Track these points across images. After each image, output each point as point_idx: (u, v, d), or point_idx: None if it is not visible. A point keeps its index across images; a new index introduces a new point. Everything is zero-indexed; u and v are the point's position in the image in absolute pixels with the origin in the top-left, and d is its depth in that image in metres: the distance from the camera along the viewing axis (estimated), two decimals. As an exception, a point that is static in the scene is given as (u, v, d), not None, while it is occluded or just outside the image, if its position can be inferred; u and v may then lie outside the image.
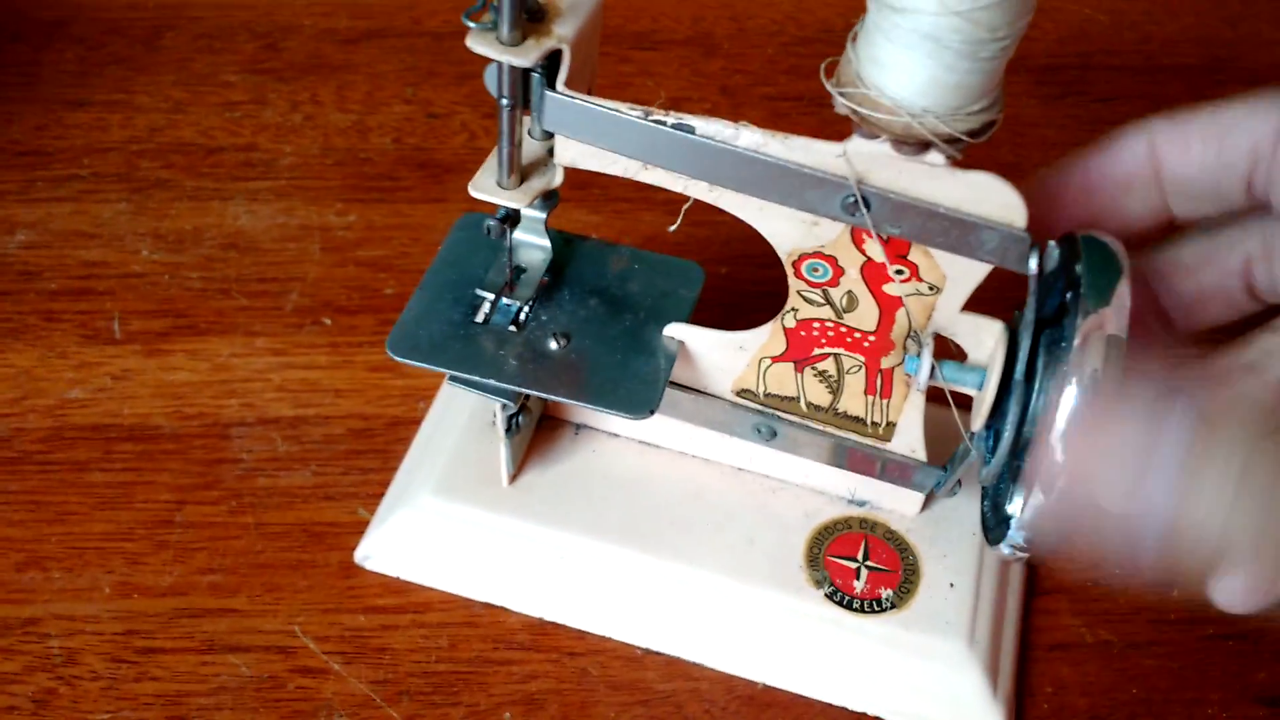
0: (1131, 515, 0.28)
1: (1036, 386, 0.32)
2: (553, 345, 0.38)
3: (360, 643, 0.40)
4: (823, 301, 0.36)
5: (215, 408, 0.46)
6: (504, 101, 0.34)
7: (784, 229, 0.35)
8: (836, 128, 0.33)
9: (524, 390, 0.37)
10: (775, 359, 0.38)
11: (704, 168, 0.33)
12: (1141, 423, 0.27)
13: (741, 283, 0.51)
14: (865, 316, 0.36)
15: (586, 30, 0.34)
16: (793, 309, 0.37)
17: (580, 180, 0.54)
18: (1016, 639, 0.40)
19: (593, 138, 0.34)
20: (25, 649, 0.39)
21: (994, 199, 0.32)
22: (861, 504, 0.42)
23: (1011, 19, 0.29)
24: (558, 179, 0.36)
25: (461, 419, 0.43)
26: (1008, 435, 0.33)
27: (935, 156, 0.32)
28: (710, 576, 0.40)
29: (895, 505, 0.41)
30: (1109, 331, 0.30)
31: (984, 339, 0.35)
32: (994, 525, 0.34)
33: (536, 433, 0.43)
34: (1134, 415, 0.27)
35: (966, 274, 0.34)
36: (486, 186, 0.36)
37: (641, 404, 0.37)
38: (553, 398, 0.37)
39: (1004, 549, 0.33)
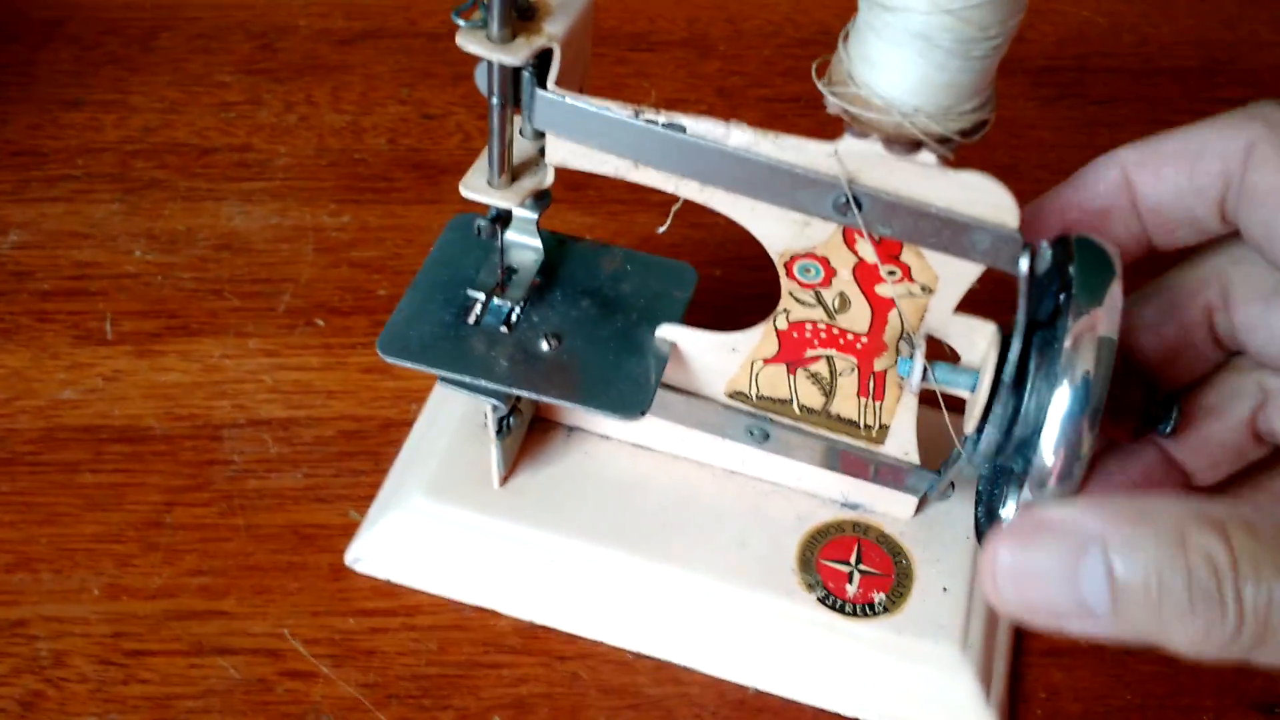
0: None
1: (1028, 388, 0.32)
2: (544, 346, 0.38)
3: (349, 646, 0.40)
4: (815, 303, 0.36)
5: (206, 409, 0.46)
6: (494, 100, 0.33)
7: (775, 229, 0.34)
8: (833, 130, 0.33)
9: (515, 391, 0.37)
10: (768, 361, 0.38)
11: (695, 167, 0.33)
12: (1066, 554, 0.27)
13: (735, 285, 0.51)
14: (857, 318, 0.36)
15: (577, 29, 0.34)
16: (785, 310, 0.37)
17: (574, 182, 0.55)
18: (1010, 644, 0.40)
19: (583, 137, 0.34)
20: (13, 651, 0.39)
21: (986, 199, 0.32)
22: (854, 507, 0.41)
23: (1003, 17, 0.29)
24: (549, 179, 0.36)
25: (453, 421, 0.43)
26: (989, 435, 0.33)
27: (927, 156, 0.31)
28: (702, 580, 0.39)
29: (888, 509, 0.41)
30: (1100, 333, 0.30)
31: (977, 341, 0.35)
32: (987, 528, 0.34)
33: (528, 435, 0.43)
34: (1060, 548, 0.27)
35: (959, 275, 0.34)
36: (477, 186, 0.36)
37: (633, 405, 0.37)
38: (544, 399, 0.37)
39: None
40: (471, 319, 0.38)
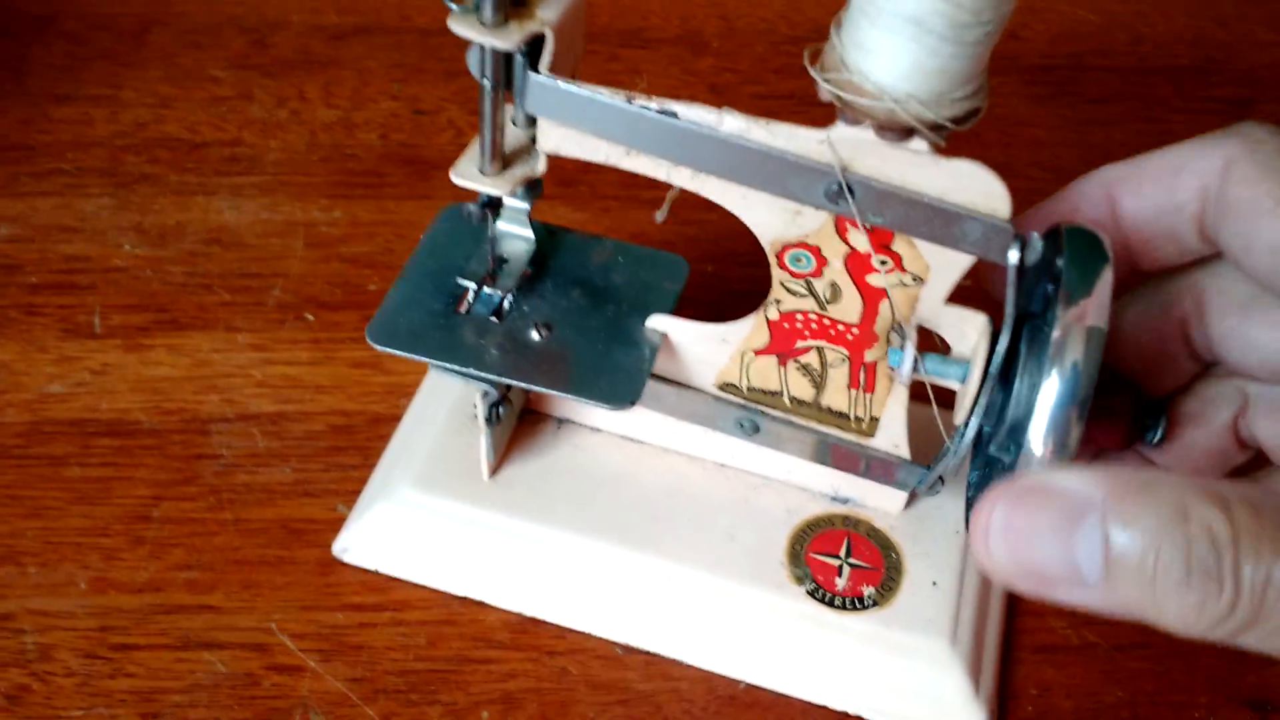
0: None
1: (1018, 378, 0.32)
2: (534, 336, 0.38)
3: (338, 640, 0.39)
4: (806, 293, 0.36)
5: (195, 403, 0.46)
6: (485, 82, 0.33)
7: (767, 218, 0.34)
8: (827, 126, 0.32)
9: (505, 381, 0.37)
10: (759, 352, 0.38)
11: (687, 153, 0.33)
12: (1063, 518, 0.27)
13: (728, 281, 0.51)
14: (849, 308, 0.36)
15: (570, 15, 0.34)
16: (776, 300, 0.36)
17: (567, 178, 0.55)
18: (1000, 640, 0.40)
19: (575, 121, 0.33)
20: (-2, 644, 0.39)
21: (978, 187, 0.31)
22: (844, 501, 0.41)
23: (996, 2, 0.29)
24: (540, 167, 0.36)
25: (442, 413, 0.43)
26: (978, 426, 0.32)
27: (919, 144, 0.31)
28: (691, 572, 0.39)
29: (878, 503, 0.41)
30: (1090, 322, 0.30)
31: (967, 332, 0.35)
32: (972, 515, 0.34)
33: (518, 427, 0.42)
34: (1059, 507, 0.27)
35: (950, 265, 0.33)
36: (468, 173, 0.36)
37: (623, 395, 0.37)
38: (534, 388, 0.37)
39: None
40: (462, 308, 0.38)
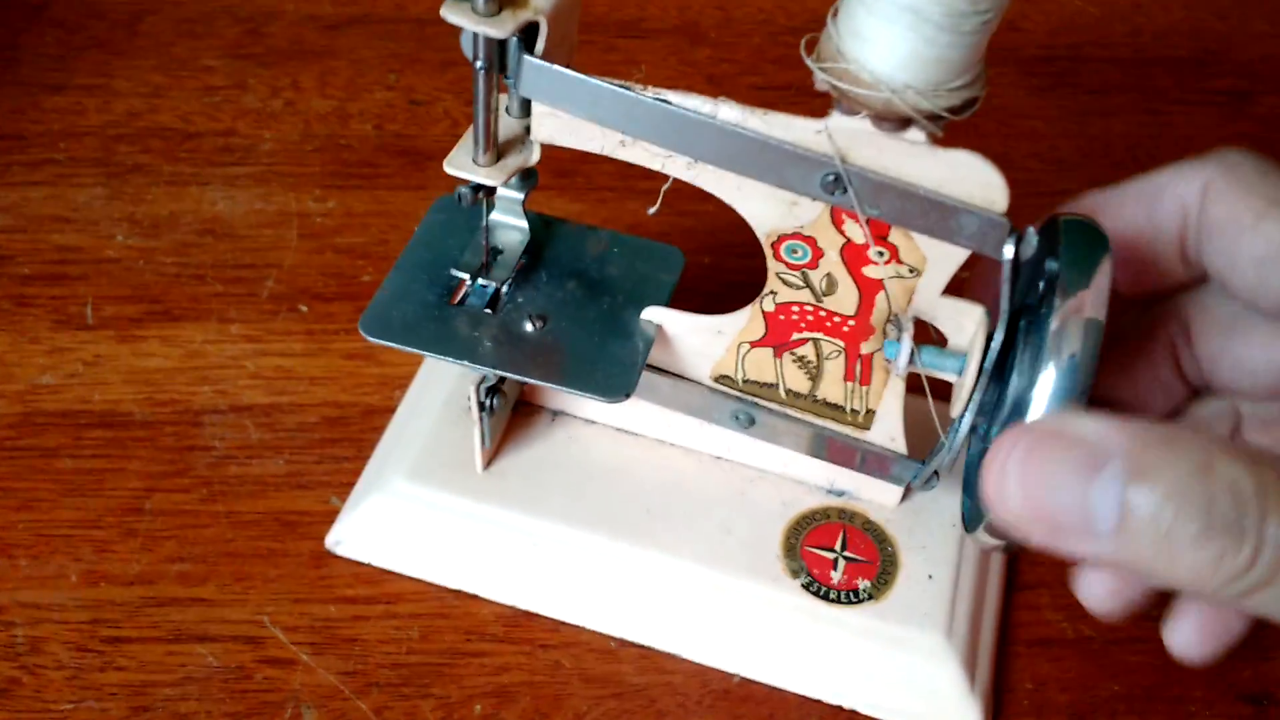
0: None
1: (1015, 371, 0.32)
2: (528, 327, 0.37)
3: (330, 633, 0.39)
4: (802, 284, 0.36)
5: (188, 394, 0.45)
6: (479, 64, 0.33)
7: (763, 209, 0.34)
8: (824, 116, 0.32)
9: (499, 372, 0.36)
10: (754, 344, 0.38)
11: (683, 141, 0.33)
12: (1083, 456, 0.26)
13: (725, 272, 0.51)
14: (845, 300, 0.36)
15: (564, 4, 0.33)
16: (772, 292, 0.36)
17: (563, 169, 0.54)
18: (996, 633, 0.40)
19: (570, 106, 0.33)
20: (-12, 637, 0.39)
21: (975, 178, 0.31)
22: (840, 494, 0.41)
23: (993, -8, 0.28)
24: (534, 157, 0.36)
25: (436, 406, 0.43)
26: (973, 419, 0.32)
27: (916, 134, 0.31)
28: (686, 565, 0.39)
29: (874, 496, 0.41)
30: (1088, 315, 0.30)
31: (964, 324, 0.35)
32: (969, 510, 0.34)
33: (511, 419, 0.42)
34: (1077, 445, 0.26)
35: (947, 257, 0.33)
36: (462, 163, 0.35)
37: (618, 387, 0.36)
38: (528, 380, 0.36)
39: (979, 536, 0.32)
40: (456, 299, 0.38)
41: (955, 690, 0.37)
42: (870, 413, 0.38)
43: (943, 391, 0.36)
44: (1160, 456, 0.25)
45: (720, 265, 0.51)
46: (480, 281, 0.38)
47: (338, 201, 0.53)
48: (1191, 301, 0.35)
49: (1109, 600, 0.32)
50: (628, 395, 0.36)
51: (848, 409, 0.38)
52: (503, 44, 0.33)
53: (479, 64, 0.33)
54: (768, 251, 0.35)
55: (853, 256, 0.34)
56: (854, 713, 0.38)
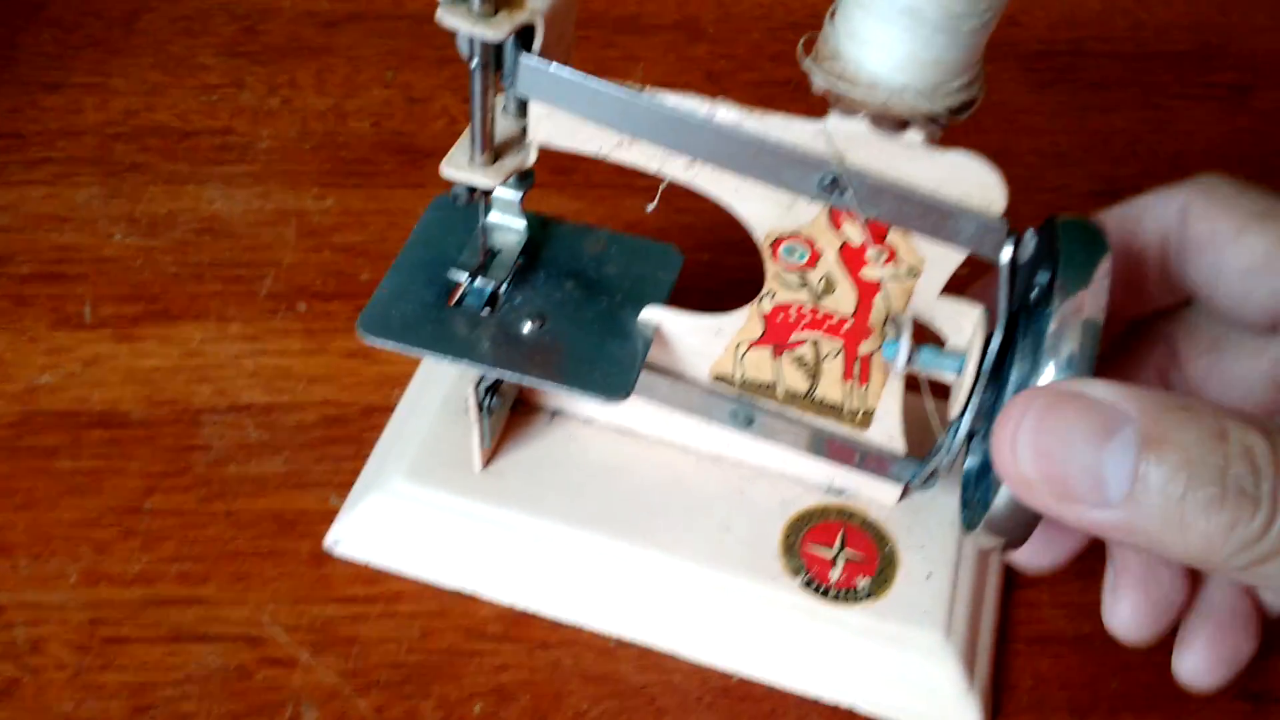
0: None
1: (1014, 371, 0.32)
2: (527, 327, 0.37)
3: (330, 632, 0.39)
4: (800, 285, 0.36)
5: (186, 394, 0.45)
6: (475, 64, 0.33)
7: (760, 210, 0.34)
8: (822, 114, 0.32)
9: (497, 373, 0.36)
10: (753, 344, 0.38)
11: (680, 142, 0.33)
12: (1097, 419, 0.26)
13: (724, 270, 0.51)
14: (843, 300, 0.36)
15: (561, 5, 0.33)
16: (770, 292, 0.36)
17: (561, 166, 0.54)
18: (995, 631, 0.40)
19: (566, 105, 0.33)
20: (-11, 638, 0.39)
21: (973, 179, 0.31)
22: (839, 493, 0.41)
23: (991, -7, 0.28)
24: (531, 157, 0.35)
25: (435, 405, 0.43)
26: (973, 420, 0.32)
27: (914, 135, 0.31)
28: (685, 565, 0.39)
29: (874, 494, 0.41)
30: (1086, 315, 0.30)
31: (963, 324, 0.35)
32: (967, 508, 0.34)
33: (510, 418, 0.42)
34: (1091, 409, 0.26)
35: (946, 257, 0.33)
36: (459, 165, 0.35)
37: (617, 387, 0.36)
38: (526, 380, 0.36)
39: (979, 534, 0.32)
40: (454, 300, 0.38)
41: (954, 688, 0.38)
42: (869, 413, 0.38)
43: (942, 391, 0.36)
44: (1175, 422, 0.25)
45: (719, 262, 0.51)
46: (478, 281, 0.38)
47: (336, 199, 0.53)
48: (1175, 323, 0.35)
49: (1207, 676, 0.32)
50: (627, 395, 0.36)
51: (846, 409, 0.38)
52: (499, 47, 0.33)
53: (475, 64, 0.33)
54: (765, 252, 0.35)
55: (851, 257, 0.34)
56: (853, 711, 0.38)
